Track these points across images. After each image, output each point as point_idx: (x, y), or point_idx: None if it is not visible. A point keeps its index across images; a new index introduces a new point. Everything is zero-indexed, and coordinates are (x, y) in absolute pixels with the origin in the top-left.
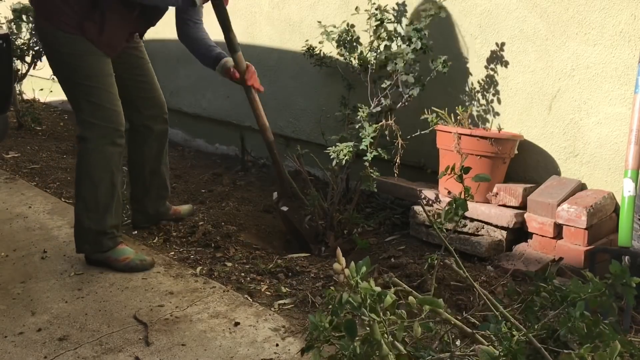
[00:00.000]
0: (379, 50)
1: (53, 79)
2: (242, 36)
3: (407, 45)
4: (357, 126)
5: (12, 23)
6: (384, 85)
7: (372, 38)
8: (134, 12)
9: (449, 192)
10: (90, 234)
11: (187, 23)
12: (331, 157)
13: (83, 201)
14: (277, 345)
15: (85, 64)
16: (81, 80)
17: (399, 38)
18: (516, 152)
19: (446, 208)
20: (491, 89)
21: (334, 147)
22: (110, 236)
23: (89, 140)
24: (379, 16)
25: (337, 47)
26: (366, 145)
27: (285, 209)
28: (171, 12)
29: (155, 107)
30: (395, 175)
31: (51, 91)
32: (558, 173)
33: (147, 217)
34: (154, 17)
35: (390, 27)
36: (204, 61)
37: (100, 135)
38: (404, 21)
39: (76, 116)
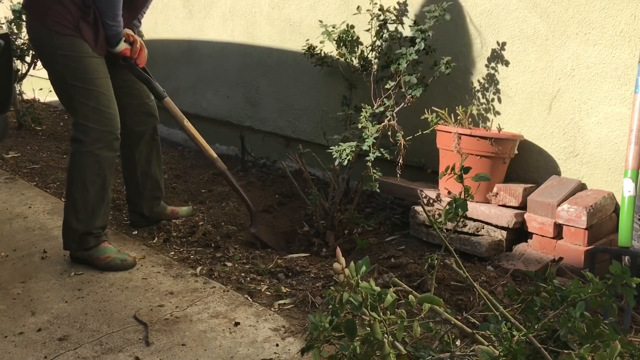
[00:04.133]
0: (381, 51)
1: None
2: (242, 36)
3: (410, 46)
4: (359, 126)
5: (12, 23)
6: (387, 86)
7: (374, 38)
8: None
9: (449, 192)
10: (76, 234)
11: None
12: (334, 156)
13: (73, 202)
14: (277, 345)
15: (81, 65)
16: (77, 83)
17: (401, 39)
18: (516, 152)
19: (446, 208)
20: (491, 89)
21: (336, 146)
22: (95, 235)
23: (83, 144)
24: (381, 17)
25: (338, 47)
26: (369, 146)
27: (254, 230)
28: (168, 12)
29: (145, 113)
30: (398, 175)
31: (51, 91)
32: (558, 173)
33: (143, 218)
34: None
35: (392, 27)
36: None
37: (95, 139)
38: (406, 22)
39: (72, 119)
